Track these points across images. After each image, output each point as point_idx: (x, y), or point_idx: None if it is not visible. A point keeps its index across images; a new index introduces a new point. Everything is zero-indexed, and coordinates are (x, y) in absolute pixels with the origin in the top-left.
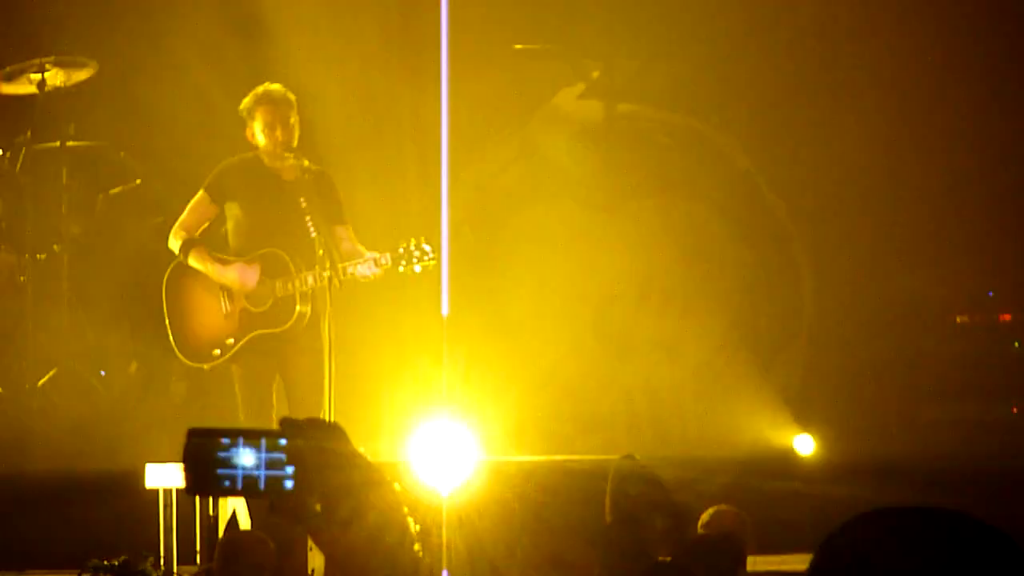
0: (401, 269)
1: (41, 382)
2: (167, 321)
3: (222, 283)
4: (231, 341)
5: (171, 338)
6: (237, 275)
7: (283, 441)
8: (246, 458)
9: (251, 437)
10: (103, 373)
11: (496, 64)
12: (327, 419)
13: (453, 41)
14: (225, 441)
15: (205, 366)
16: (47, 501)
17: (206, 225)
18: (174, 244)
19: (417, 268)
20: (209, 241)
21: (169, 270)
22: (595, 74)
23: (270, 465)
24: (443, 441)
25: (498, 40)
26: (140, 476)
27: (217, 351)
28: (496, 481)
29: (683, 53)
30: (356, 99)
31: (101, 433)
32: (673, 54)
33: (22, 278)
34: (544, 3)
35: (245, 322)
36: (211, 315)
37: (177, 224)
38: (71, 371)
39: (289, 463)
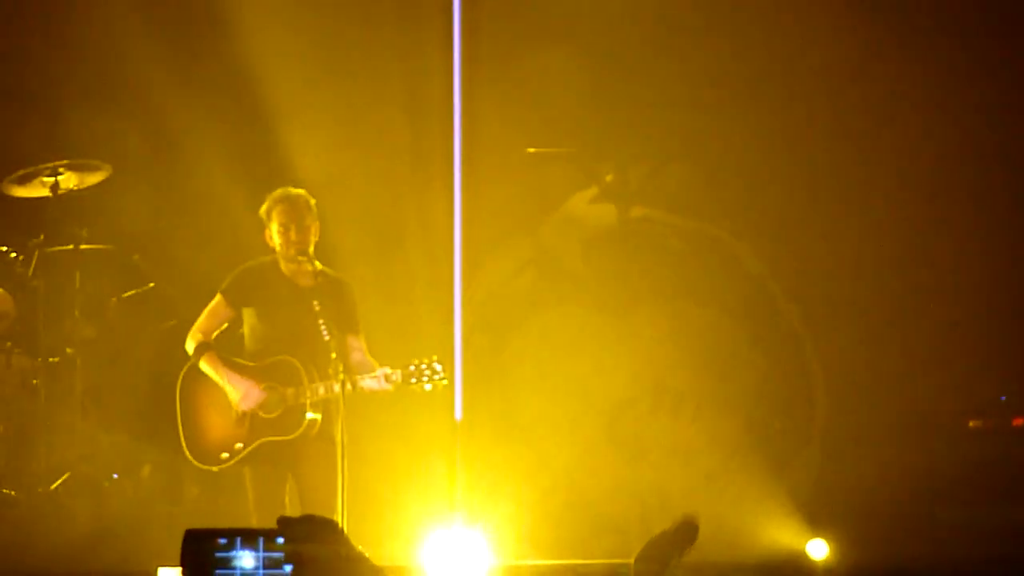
0: (412, 385)
1: (54, 486)
2: (179, 422)
3: (236, 388)
4: (239, 446)
5: (182, 439)
6: (241, 393)
7: (280, 540)
8: (245, 559)
9: (249, 537)
10: (116, 476)
11: (509, 167)
12: (328, 519)
13: (467, 144)
14: (223, 542)
15: (214, 468)
16: None
17: (224, 327)
18: (190, 346)
19: (428, 387)
20: (228, 344)
21: (184, 371)
22: (608, 177)
23: (268, 564)
24: (456, 546)
25: (511, 143)
26: None
27: (226, 455)
28: None
29: (696, 157)
30: (369, 204)
31: (114, 537)
32: (686, 158)
33: (35, 381)
34: (557, 107)
35: (255, 428)
36: (222, 419)
37: (195, 327)
38: (84, 475)
39: (287, 562)
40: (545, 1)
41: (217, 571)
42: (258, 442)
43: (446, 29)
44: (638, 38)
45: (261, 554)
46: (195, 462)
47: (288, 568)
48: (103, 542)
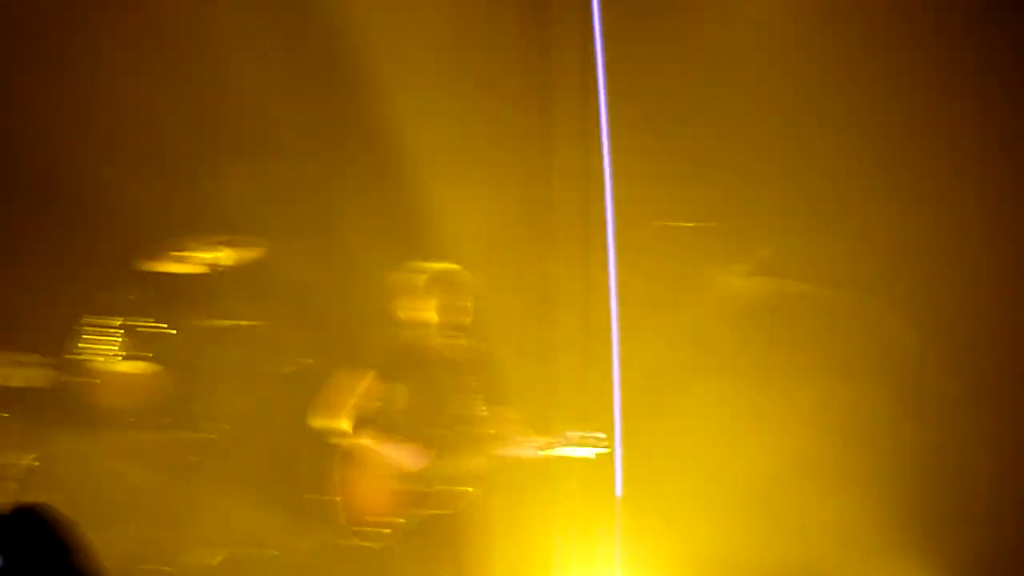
0: (572, 452)
1: (215, 562)
2: (338, 500)
3: (391, 463)
4: (398, 519)
5: (339, 510)
6: (407, 457)
7: None
8: None
9: None
10: (276, 553)
11: (664, 241)
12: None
13: (619, 218)
14: None
15: (374, 546)
16: None
17: (371, 401)
18: (346, 424)
19: (589, 452)
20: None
21: (339, 450)
22: (763, 253)
23: None
24: None
25: (664, 216)
26: None
27: (385, 529)
28: None
29: (851, 229)
30: (523, 278)
31: None
32: (841, 230)
33: (192, 458)
34: (711, 182)
35: (412, 501)
36: (379, 494)
37: (342, 402)
38: (243, 553)
39: None
40: (694, 70)
41: None
42: (415, 515)
43: (594, 99)
44: (784, 108)
45: None
46: (353, 536)
47: None
48: None
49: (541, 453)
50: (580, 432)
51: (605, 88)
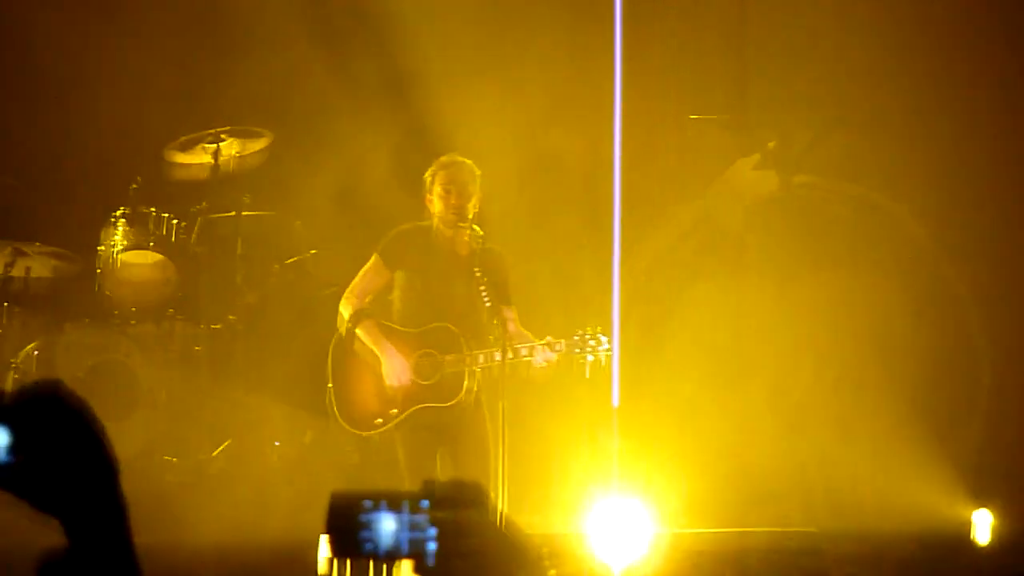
0: (575, 354)
1: (215, 452)
2: (331, 387)
3: (391, 354)
4: (395, 411)
5: (334, 406)
6: (394, 369)
7: (425, 504)
8: (387, 522)
9: (393, 500)
10: (277, 443)
11: (670, 134)
12: (475, 483)
13: (627, 111)
14: (368, 504)
15: (367, 434)
16: (223, 574)
17: (378, 288)
18: (345, 311)
19: (590, 358)
20: (377, 307)
21: (336, 336)
22: (771, 144)
23: (412, 528)
24: (617, 515)
25: (672, 110)
26: (316, 547)
27: (379, 420)
28: (671, 556)
29: (858, 122)
30: (527, 172)
31: (276, 504)
32: (848, 123)
33: (197, 348)
34: (719, 74)
35: (411, 394)
36: (377, 384)
37: (349, 289)
38: (245, 442)
39: (432, 525)
40: None
41: (361, 534)
42: (413, 408)
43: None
44: (802, 3)
45: (406, 518)
46: (348, 427)
47: (433, 532)
48: (265, 509)
49: (549, 348)
50: (587, 328)
51: None
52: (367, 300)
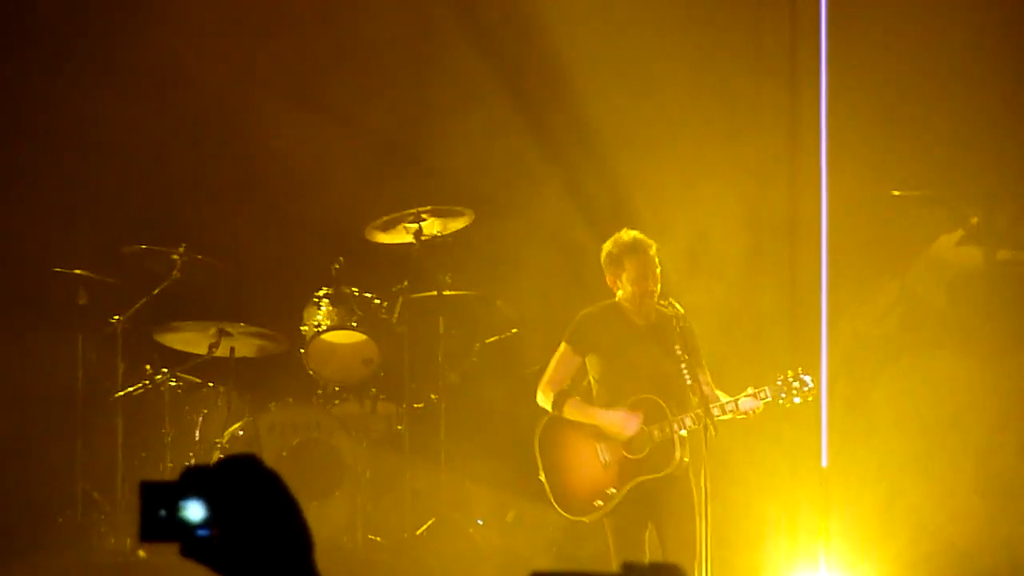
0: (781, 402)
1: (419, 531)
2: (543, 476)
3: (604, 430)
4: (612, 491)
5: (549, 494)
6: (620, 420)
7: None
8: None
9: None
10: (480, 522)
11: (874, 210)
12: (675, 566)
13: (832, 186)
14: None
15: (588, 519)
16: None
17: (571, 375)
18: (544, 400)
19: (796, 400)
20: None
21: (541, 425)
22: (974, 220)
23: None
24: None
25: (875, 185)
26: None
27: (599, 502)
28: None
29: None
30: (730, 244)
31: None
32: None
33: (400, 427)
34: (922, 150)
35: (624, 471)
36: (590, 467)
37: (544, 380)
38: (449, 520)
39: None
40: (907, 44)
41: None
42: (631, 484)
43: (813, 69)
44: (1003, 79)
45: None
46: (568, 516)
47: None
48: None
49: (752, 406)
50: (788, 371)
51: (826, 59)
52: (565, 387)
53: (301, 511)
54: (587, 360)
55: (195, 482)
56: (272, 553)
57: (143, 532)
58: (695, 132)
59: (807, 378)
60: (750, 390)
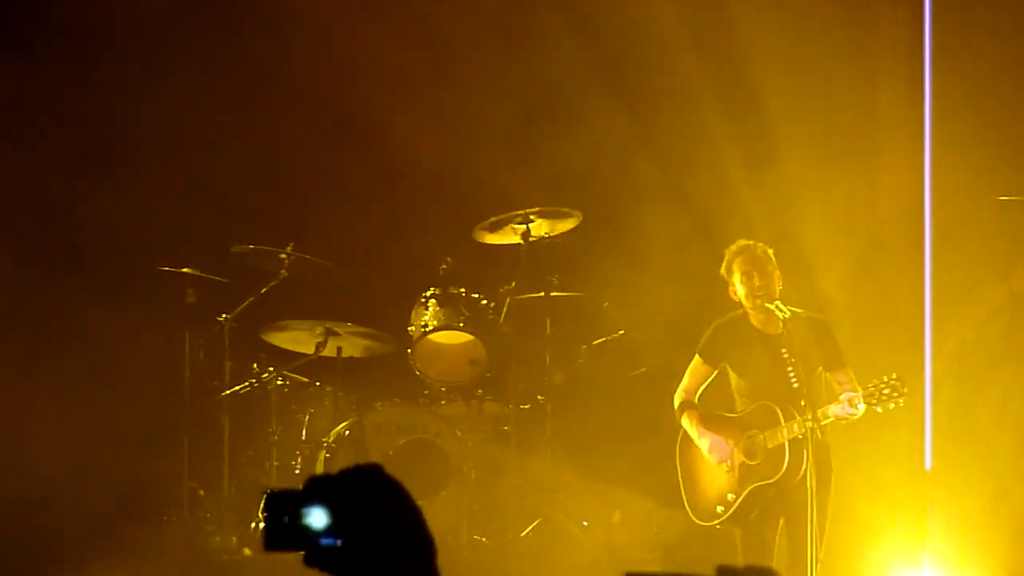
0: (877, 409)
1: (525, 532)
2: (680, 481)
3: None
4: (732, 496)
5: (684, 499)
6: (707, 444)
7: None
8: None
9: None
10: (586, 523)
11: (980, 215)
12: (768, 569)
13: (936, 190)
14: None
15: (713, 523)
16: None
17: (705, 386)
18: (676, 405)
19: (890, 405)
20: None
21: (682, 431)
22: None
23: None
24: None
25: (982, 190)
26: None
27: (720, 508)
28: None
29: None
30: (837, 250)
31: None
32: None
33: (506, 427)
34: None
35: (743, 476)
36: (715, 473)
37: (680, 387)
38: (555, 521)
39: None
40: (1013, 46)
41: None
42: (748, 489)
43: (917, 76)
44: None
45: None
46: (696, 520)
47: None
48: None
49: (847, 412)
50: (882, 376)
51: (931, 63)
52: (696, 396)
53: (423, 518)
54: (724, 369)
55: (319, 490)
56: (395, 561)
57: (267, 540)
58: (804, 140)
59: (898, 381)
60: (844, 396)
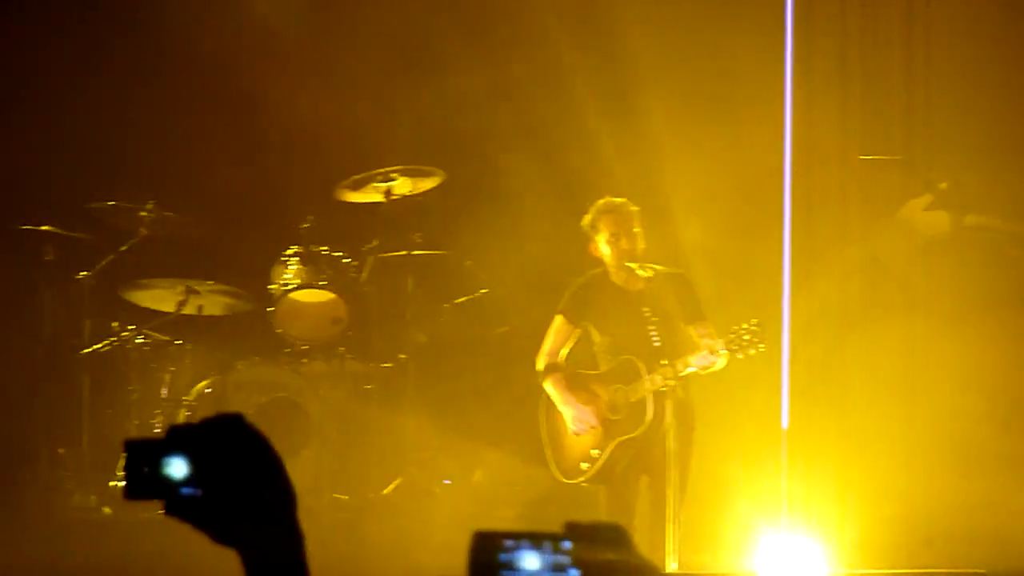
0: (739, 355)
1: (386, 491)
2: (545, 440)
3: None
4: (595, 452)
5: (549, 459)
6: (572, 415)
7: (567, 544)
8: (529, 561)
9: (535, 540)
10: (447, 482)
11: (841, 174)
12: (617, 525)
13: (797, 150)
14: (509, 543)
15: (578, 481)
16: None
17: (570, 346)
18: (539, 367)
19: (750, 351)
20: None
21: (543, 394)
22: (943, 185)
23: (554, 568)
24: (788, 553)
25: (842, 150)
26: None
27: (585, 465)
28: None
29: None
30: (694, 208)
31: (445, 542)
32: (1021, 165)
33: (368, 386)
34: (889, 114)
35: (606, 430)
36: (576, 433)
37: (541, 349)
38: (416, 480)
39: (573, 566)
40: (877, 7)
41: (502, 572)
42: (612, 444)
43: (779, 34)
44: (975, 43)
45: (548, 557)
46: (563, 479)
47: (574, 572)
48: (434, 547)
49: (708, 361)
50: (741, 323)
51: (792, 21)
52: (561, 356)
53: (285, 469)
54: (585, 328)
55: (180, 440)
56: (256, 511)
57: (127, 490)
58: (669, 95)
59: (757, 327)
60: (703, 342)
